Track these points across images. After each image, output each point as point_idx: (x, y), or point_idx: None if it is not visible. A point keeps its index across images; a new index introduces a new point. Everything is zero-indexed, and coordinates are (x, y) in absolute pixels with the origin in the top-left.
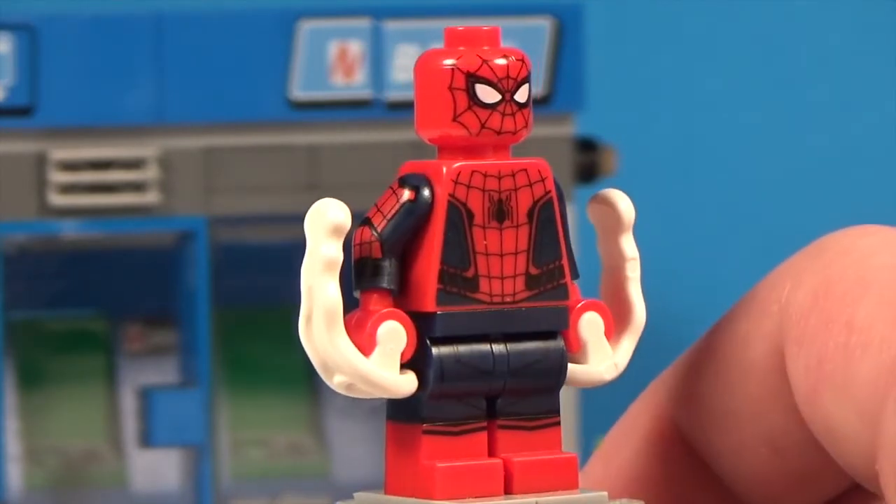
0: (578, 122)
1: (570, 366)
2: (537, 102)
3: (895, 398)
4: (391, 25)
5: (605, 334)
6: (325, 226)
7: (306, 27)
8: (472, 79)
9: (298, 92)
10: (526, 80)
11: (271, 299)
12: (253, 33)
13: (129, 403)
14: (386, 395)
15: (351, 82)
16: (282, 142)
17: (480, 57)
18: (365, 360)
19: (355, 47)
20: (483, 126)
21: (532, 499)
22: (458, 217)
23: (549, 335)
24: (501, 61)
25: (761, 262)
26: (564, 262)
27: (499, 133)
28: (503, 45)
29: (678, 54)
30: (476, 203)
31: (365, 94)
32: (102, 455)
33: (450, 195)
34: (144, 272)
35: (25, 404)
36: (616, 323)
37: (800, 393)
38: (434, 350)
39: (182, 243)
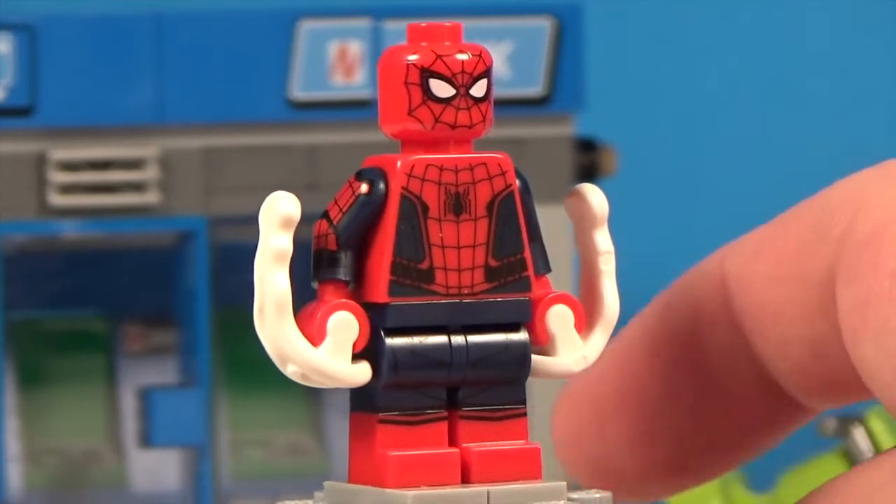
0: (578, 122)
1: (539, 358)
2: (537, 102)
3: None
4: (391, 25)
5: (576, 327)
6: (276, 218)
7: (306, 27)
8: (427, 74)
9: (298, 92)
10: (483, 74)
11: None
12: (253, 33)
13: (129, 403)
14: (336, 385)
15: (351, 82)
16: (282, 142)
17: (435, 52)
18: (313, 351)
19: (355, 47)
20: (437, 120)
21: (484, 488)
22: (412, 210)
23: (511, 327)
24: (457, 56)
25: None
26: (526, 254)
27: (453, 127)
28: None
29: (678, 54)
30: (431, 196)
31: (365, 94)
32: (102, 455)
33: (403, 188)
34: (144, 272)
35: (25, 404)
36: (589, 316)
37: (844, 326)
38: (388, 340)
39: (182, 243)
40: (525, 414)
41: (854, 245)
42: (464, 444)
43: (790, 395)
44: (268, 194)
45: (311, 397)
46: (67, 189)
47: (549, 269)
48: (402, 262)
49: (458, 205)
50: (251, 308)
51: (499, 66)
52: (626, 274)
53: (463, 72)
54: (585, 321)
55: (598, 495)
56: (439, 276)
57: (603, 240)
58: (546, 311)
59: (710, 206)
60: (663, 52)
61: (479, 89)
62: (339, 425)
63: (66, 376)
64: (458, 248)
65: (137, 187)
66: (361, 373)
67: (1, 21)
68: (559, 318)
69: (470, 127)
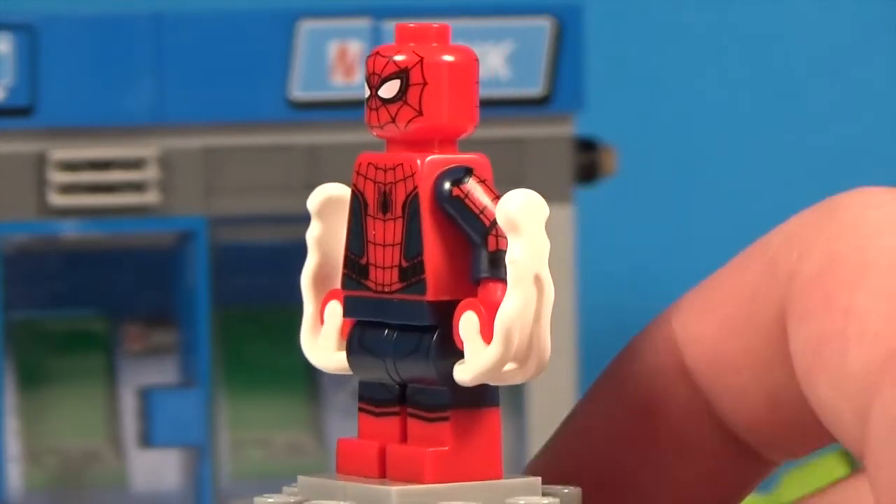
0: (578, 122)
1: (458, 363)
2: (537, 102)
3: (883, 397)
4: (391, 25)
5: (482, 335)
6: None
7: (306, 27)
8: (366, 74)
9: (298, 92)
10: (394, 76)
11: (271, 299)
12: (253, 33)
13: (129, 403)
14: (323, 370)
15: (351, 82)
16: (282, 142)
17: (381, 55)
18: (303, 339)
19: (355, 47)
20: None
21: (371, 485)
22: (357, 206)
23: (427, 328)
24: (378, 58)
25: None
26: (424, 257)
27: (371, 127)
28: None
29: (678, 54)
30: (369, 193)
31: (365, 94)
32: (102, 455)
33: (353, 184)
34: (144, 272)
35: (25, 404)
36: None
37: (798, 367)
38: (350, 331)
39: (182, 243)
40: (446, 419)
41: (803, 282)
42: (408, 441)
43: (754, 451)
44: (268, 194)
45: (311, 397)
46: (67, 189)
47: (483, 275)
48: (351, 256)
49: (384, 203)
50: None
51: (499, 66)
52: (626, 273)
53: (374, 73)
54: (491, 330)
55: (566, 490)
56: (371, 273)
57: (511, 247)
58: (459, 317)
59: (710, 205)
60: (663, 52)
61: (386, 90)
62: (339, 425)
63: (66, 376)
64: (384, 245)
65: (137, 187)
66: (335, 361)
67: (1, 21)
68: (466, 325)
69: (380, 127)
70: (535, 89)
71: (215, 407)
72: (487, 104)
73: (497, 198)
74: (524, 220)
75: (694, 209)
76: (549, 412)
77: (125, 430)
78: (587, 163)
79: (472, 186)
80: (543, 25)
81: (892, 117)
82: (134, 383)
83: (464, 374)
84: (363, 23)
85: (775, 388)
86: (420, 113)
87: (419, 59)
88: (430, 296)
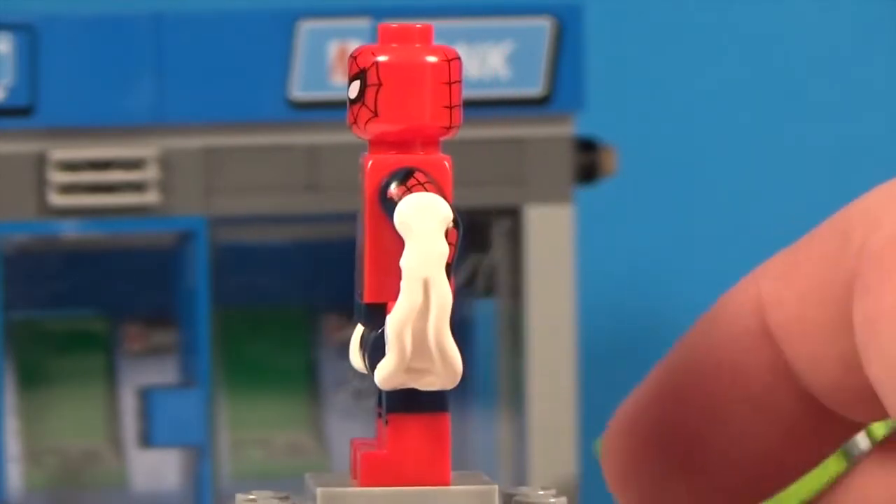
0: (578, 122)
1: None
2: (537, 102)
3: None
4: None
5: None
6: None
7: (306, 27)
8: None
9: (298, 92)
10: (354, 77)
11: (271, 299)
12: (253, 33)
13: (129, 403)
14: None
15: None
16: (282, 142)
17: (352, 55)
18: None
19: (355, 47)
20: None
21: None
22: None
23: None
24: (349, 59)
25: (762, 262)
26: (365, 260)
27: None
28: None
29: (678, 54)
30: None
31: None
32: (102, 455)
33: None
34: (144, 272)
35: (25, 404)
36: None
37: (858, 340)
38: None
39: (182, 243)
40: (387, 422)
41: (867, 259)
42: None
43: (834, 412)
44: (268, 194)
45: (311, 397)
46: (67, 189)
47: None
48: None
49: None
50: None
51: (499, 66)
52: (626, 273)
53: (347, 73)
54: None
55: (553, 500)
56: None
57: (404, 252)
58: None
59: (710, 206)
60: (663, 53)
61: (351, 91)
62: (339, 425)
63: (66, 376)
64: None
65: (137, 187)
66: None
67: (1, 21)
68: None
69: (350, 127)
70: (535, 89)
71: (215, 407)
72: (487, 104)
73: None
74: (415, 224)
75: (694, 209)
76: (549, 412)
77: (125, 430)
78: (587, 163)
79: (409, 188)
80: (543, 25)
81: (892, 117)
82: (134, 383)
83: (376, 378)
84: (363, 23)
85: (849, 355)
86: (375, 114)
87: (374, 60)
88: (365, 298)
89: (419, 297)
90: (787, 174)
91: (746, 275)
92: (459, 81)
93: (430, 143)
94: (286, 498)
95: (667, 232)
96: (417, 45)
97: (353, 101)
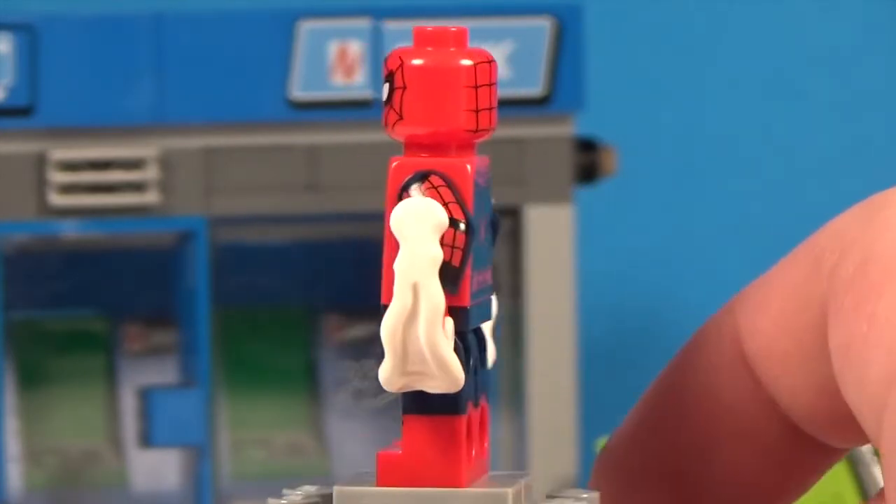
0: (578, 122)
1: None
2: (537, 102)
3: (889, 415)
4: (391, 25)
5: None
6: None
7: (306, 27)
8: None
9: (298, 92)
10: (385, 79)
11: (271, 299)
12: (253, 33)
13: (129, 403)
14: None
15: (351, 82)
16: (282, 142)
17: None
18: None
19: (355, 47)
20: None
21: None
22: None
23: None
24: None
25: (762, 262)
26: (383, 262)
27: None
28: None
29: (678, 54)
30: None
31: (365, 94)
32: (102, 455)
33: None
34: (144, 272)
35: (25, 404)
36: None
37: (834, 365)
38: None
39: (182, 243)
40: (402, 423)
41: (839, 284)
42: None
43: (817, 440)
44: (268, 194)
45: (311, 397)
46: (67, 189)
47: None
48: None
49: None
50: (251, 308)
51: (499, 66)
52: (626, 273)
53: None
54: None
55: (585, 495)
56: None
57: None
58: None
59: (710, 206)
60: (663, 53)
61: (383, 93)
62: (339, 425)
63: (66, 376)
64: None
65: (137, 187)
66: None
67: (1, 21)
68: None
69: (385, 129)
70: (535, 89)
71: (215, 407)
72: None
73: (445, 205)
74: (405, 228)
75: (694, 209)
76: (549, 412)
77: (125, 430)
78: (587, 163)
79: (422, 192)
80: (543, 25)
81: (892, 117)
82: (134, 383)
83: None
84: (363, 23)
85: (824, 380)
86: (401, 117)
87: (400, 63)
88: (383, 298)
89: (408, 301)
90: (786, 174)
91: (726, 303)
92: (489, 84)
93: (463, 145)
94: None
95: (666, 232)
96: (452, 49)
97: (384, 104)
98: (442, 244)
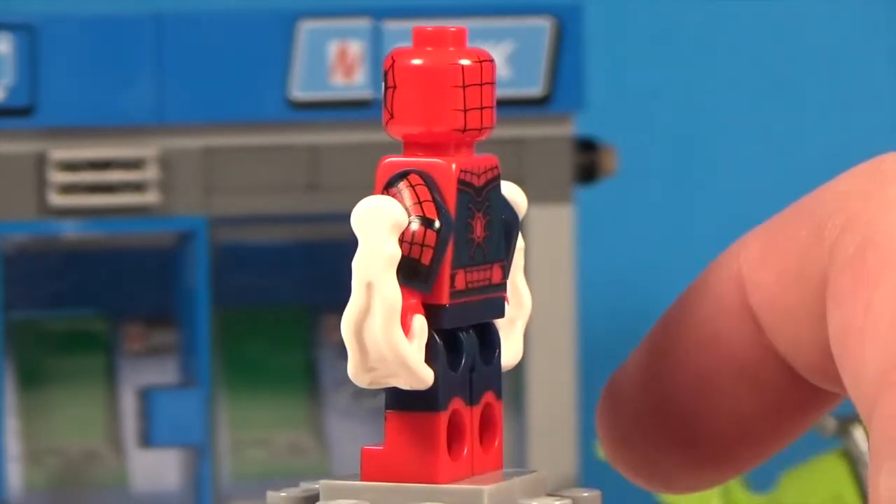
0: (578, 122)
1: None
2: (537, 102)
3: (878, 413)
4: (391, 25)
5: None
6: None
7: (306, 27)
8: None
9: (298, 92)
10: (382, 79)
11: (271, 299)
12: (253, 33)
13: (129, 403)
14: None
15: (351, 82)
16: (282, 142)
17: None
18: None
19: (355, 47)
20: None
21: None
22: None
23: None
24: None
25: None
26: None
27: None
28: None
29: (678, 54)
30: None
31: (365, 94)
32: (102, 455)
33: None
34: (144, 272)
35: (25, 404)
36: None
37: (832, 346)
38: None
39: (182, 243)
40: (385, 418)
41: (840, 261)
42: None
43: (817, 386)
44: (268, 194)
45: (311, 397)
46: (67, 189)
47: None
48: None
49: None
50: (251, 308)
51: (499, 66)
52: (626, 274)
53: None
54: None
55: (586, 493)
56: None
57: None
58: None
59: (710, 205)
60: (663, 53)
61: (381, 93)
62: (339, 425)
63: (66, 376)
64: None
65: (137, 187)
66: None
67: (1, 21)
68: None
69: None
70: (535, 89)
71: (215, 407)
72: None
73: (418, 203)
74: (361, 227)
75: (694, 209)
76: (549, 411)
77: (125, 430)
78: (587, 163)
79: (399, 190)
80: (543, 25)
81: (892, 117)
82: (134, 383)
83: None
84: (363, 23)
85: (826, 340)
86: (392, 116)
87: (392, 63)
88: None
89: (362, 300)
90: (786, 174)
91: (728, 248)
92: (480, 84)
93: (459, 144)
94: None
95: (666, 232)
96: (451, 49)
97: (382, 103)
98: (411, 242)
